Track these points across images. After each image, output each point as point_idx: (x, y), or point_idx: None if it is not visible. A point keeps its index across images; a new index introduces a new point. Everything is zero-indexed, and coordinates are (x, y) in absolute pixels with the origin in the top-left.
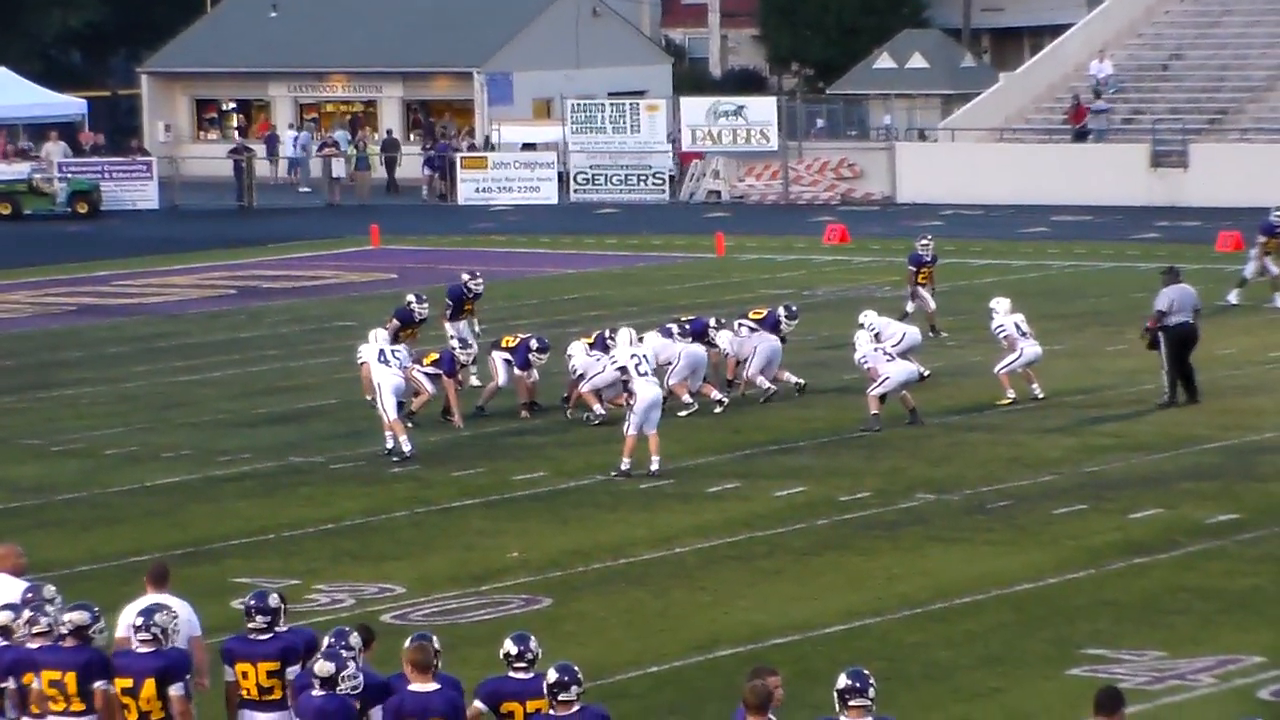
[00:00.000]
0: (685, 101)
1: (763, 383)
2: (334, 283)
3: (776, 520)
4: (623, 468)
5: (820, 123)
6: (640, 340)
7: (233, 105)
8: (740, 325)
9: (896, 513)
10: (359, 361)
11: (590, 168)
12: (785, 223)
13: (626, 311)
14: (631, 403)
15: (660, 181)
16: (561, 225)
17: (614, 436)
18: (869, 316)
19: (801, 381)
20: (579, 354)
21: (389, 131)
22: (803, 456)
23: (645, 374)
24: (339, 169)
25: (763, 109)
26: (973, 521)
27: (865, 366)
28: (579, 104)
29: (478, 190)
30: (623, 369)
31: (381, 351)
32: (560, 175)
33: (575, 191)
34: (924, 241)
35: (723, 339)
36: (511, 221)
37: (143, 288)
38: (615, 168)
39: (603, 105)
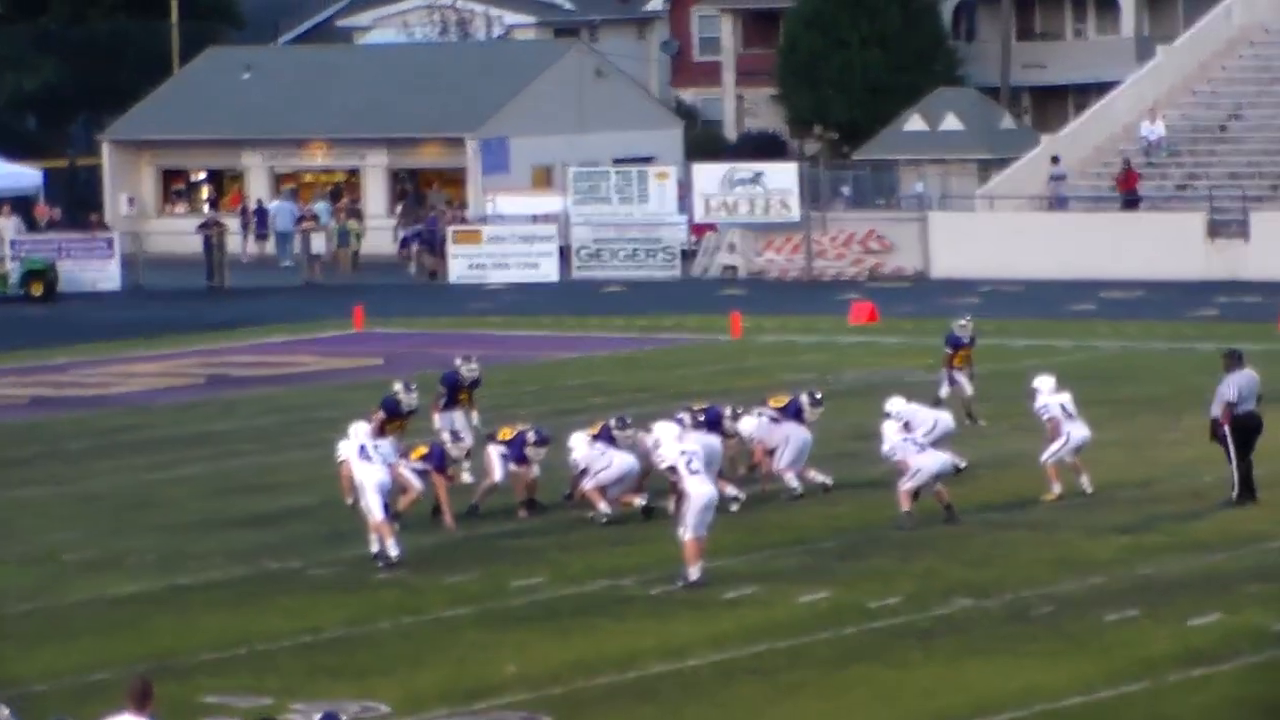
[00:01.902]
0: (698, 168)
1: (791, 480)
2: (314, 370)
3: (799, 629)
4: (691, 578)
5: (845, 191)
6: (682, 434)
7: (203, 176)
8: (761, 414)
9: (931, 620)
10: (338, 460)
11: (594, 242)
12: (808, 301)
13: (634, 399)
14: (683, 505)
15: (671, 256)
16: (563, 305)
17: (621, 538)
18: (896, 404)
19: (829, 481)
20: (581, 446)
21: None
22: (828, 558)
23: (697, 471)
24: (319, 244)
25: (782, 176)
26: (1016, 630)
27: (894, 459)
28: (582, 172)
29: (471, 267)
30: (672, 468)
31: (363, 447)
32: (561, 250)
33: (578, 268)
34: (962, 322)
35: (745, 425)
36: (508, 301)
37: (104, 377)
38: (621, 241)
39: (608, 173)
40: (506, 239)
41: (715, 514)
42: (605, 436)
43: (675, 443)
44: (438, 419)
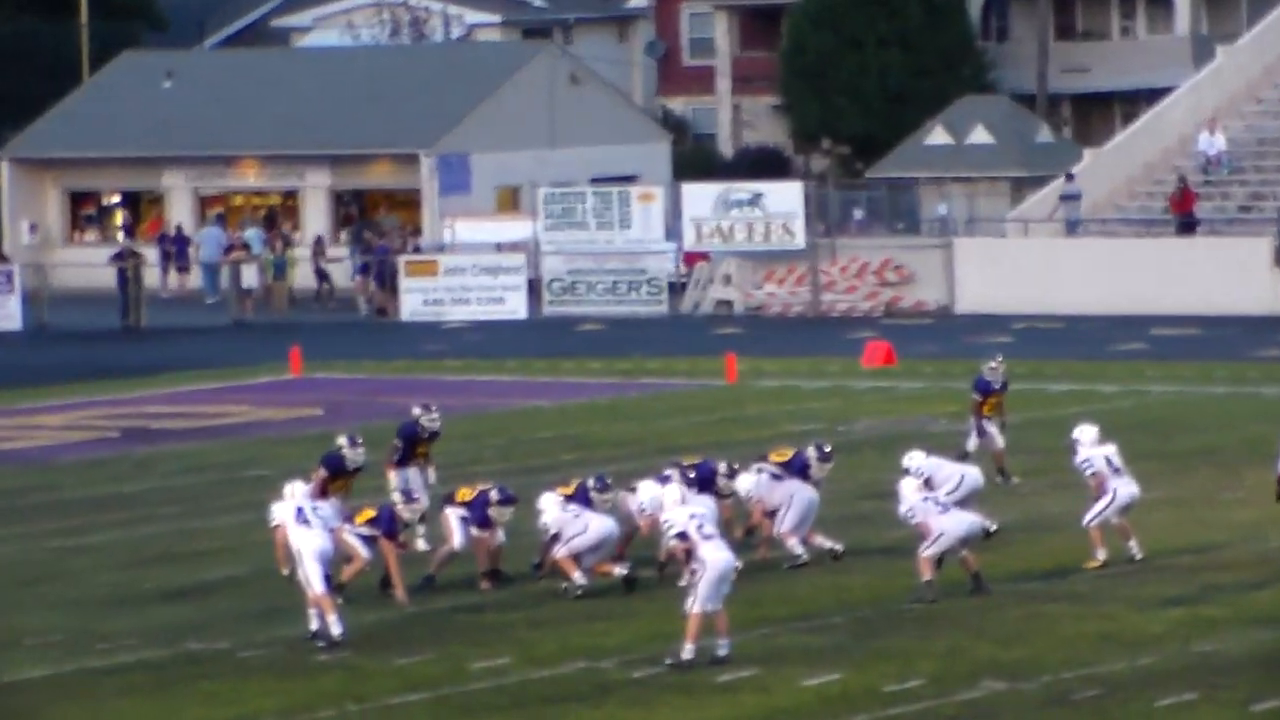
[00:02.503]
0: (688, 189)
1: (795, 546)
2: (244, 421)
3: (805, 718)
4: (684, 656)
5: (858, 214)
6: (684, 493)
7: (117, 199)
8: (761, 470)
9: (957, 706)
10: (271, 524)
11: (568, 273)
12: (814, 340)
13: (614, 454)
14: (697, 574)
15: (656, 290)
16: (533, 346)
17: (599, 613)
18: (916, 459)
19: (838, 547)
20: (552, 508)
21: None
22: (838, 635)
23: (711, 536)
24: (250, 278)
25: (786, 197)
26: (1055, 716)
27: (914, 521)
28: (554, 193)
29: (426, 303)
30: (682, 535)
31: (300, 510)
32: (530, 283)
33: (550, 303)
34: (992, 364)
35: (743, 483)
36: (470, 342)
37: (2, 430)
38: (600, 273)
39: (584, 194)
40: (467, 270)
41: (730, 584)
42: (581, 498)
43: (681, 506)
44: (393, 477)
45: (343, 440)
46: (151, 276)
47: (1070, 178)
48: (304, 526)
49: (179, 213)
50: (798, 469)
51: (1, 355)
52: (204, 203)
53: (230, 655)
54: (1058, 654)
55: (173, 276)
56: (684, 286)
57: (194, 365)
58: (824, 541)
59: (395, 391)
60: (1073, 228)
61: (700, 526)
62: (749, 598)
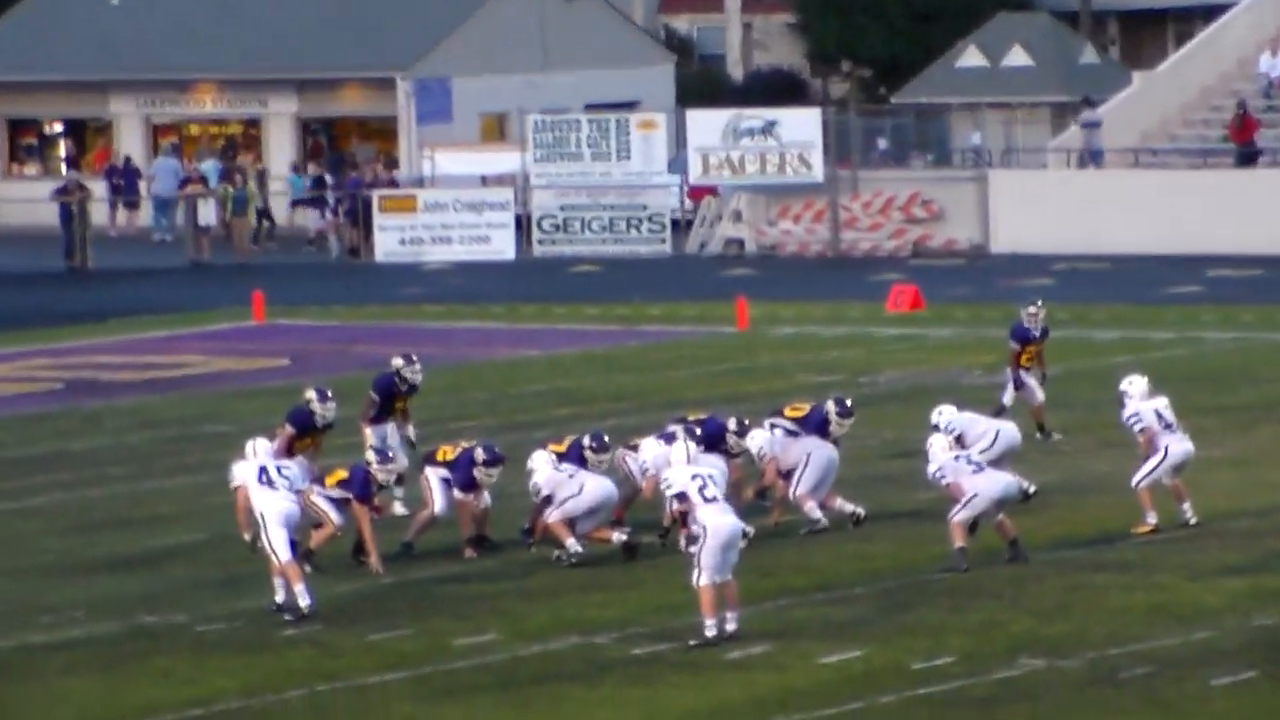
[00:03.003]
0: (694, 116)
1: (813, 510)
2: (202, 372)
3: (824, 698)
4: (708, 635)
5: (882, 144)
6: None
7: (60, 128)
8: (775, 426)
9: (992, 686)
10: (232, 485)
11: (560, 210)
12: (834, 283)
13: (612, 409)
14: (697, 541)
15: (659, 228)
16: (521, 289)
17: (595, 583)
18: (947, 413)
19: (860, 511)
20: (544, 467)
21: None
22: (860, 608)
23: (714, 499)
24: (207, 214)
25: (802, 125)
26: (1100, 696)
27: (943, 483)
28: (545, 121)
29: (403, 242)
30: (681, 495)
31: (264, 470)
32: (519, 221)
33: (540, 242)
34: (1031, 309)
35: (755, 439)
36: (451, 285)
37: None
38: (596, 209)
39: (578, 122)
40: (448, 206)
41: (737, 552)
42: (575, 456)
43: (684, 466)
44: (369, 434)
45: (311, 394)
46: (99, 213)
47: (1090, 103)
48: (268, 488)
49: (129, 143)
50: (815, 425)
51: None
52: (156, 132)
53: (187, 629)
54: (1103, 628)
55: (121, 213)
56: (689, 224)
57: (146, 310)
58: (844, 505)
59: (369, 340)
60: (1094, 159)
61: (703, 488)
62: (761, 567)
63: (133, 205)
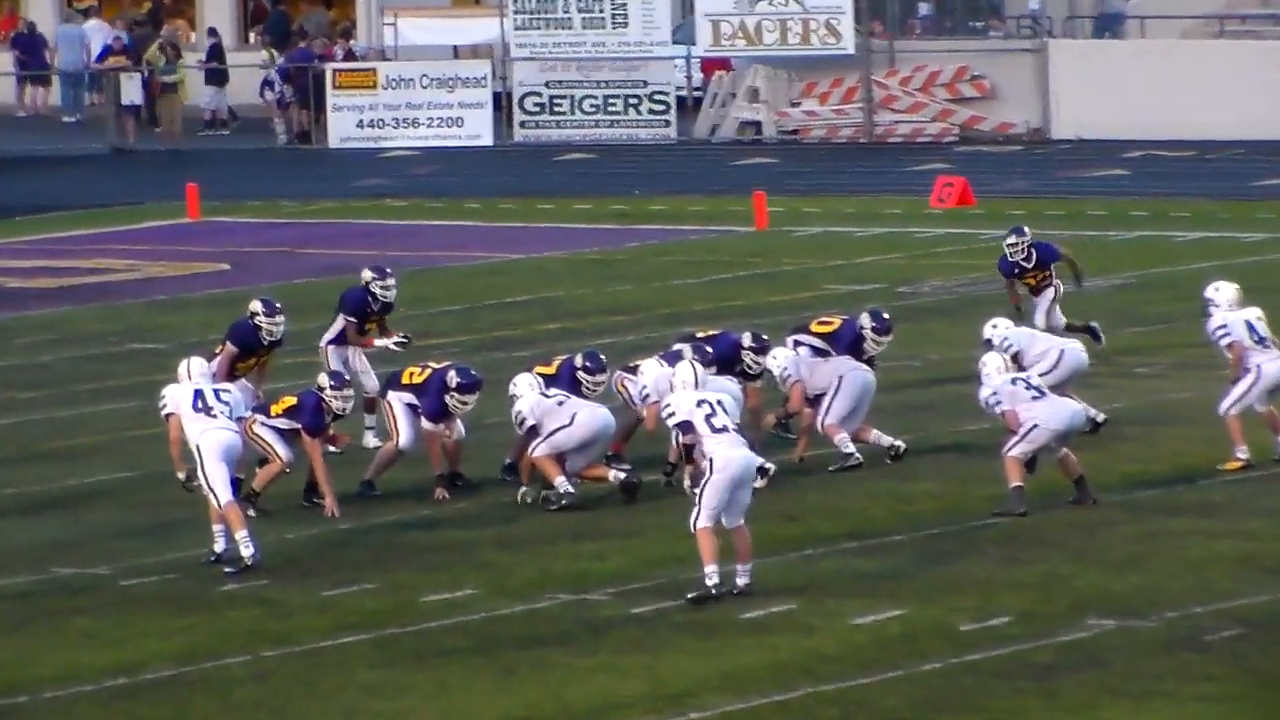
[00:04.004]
0: None
1: (844, 443)
2: (127, 279)
3: (856, 665)
4: (709, 583)
5: (924, 9)
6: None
7: None
8: (799, 344)
9: (1055, 650)
10: (163, 412)
11: (546, 86)
12: (868, 174)
13: (608, 323)
14: (703, 478)
15: (662, 108)
16: (501, 182)
17: (589, 530)
18: (1001, 328)
19: (899, 444)
20: (528, 393)
21: (212, 32)
22: (899, 559)
23: (724, 429)
24: (132, 92)
25: None
26: (1179, 663)
27: (998, 410)
28: None
29: (361, 125)
30: (685, 425)
31: (199, 394)
32: (497, 99)
33: (523, 125)
34: (1010, 240)
35: (776, 359)
36: (418, 176)
37: None
38: (587, 85)
39: None
40: (414, 82)
41: (749, 491)
42: (566, 380)
43: (691, 391)
44: (332, 357)
45: (256, 305)
46: (4, 90)
47: None
48: (204, 416)
49: (36, 7)
50: (847, 343)
51: None
52: None
53: (111, 583)
54: (1183, 583)
55: (30, 91)
56: (697, 104)
57: (62, 206)
58: (881, 438)
59: (322, 241)
60: (1110, 26)
61: (710, 415)
62: (784, 510)
63: (43, 81)
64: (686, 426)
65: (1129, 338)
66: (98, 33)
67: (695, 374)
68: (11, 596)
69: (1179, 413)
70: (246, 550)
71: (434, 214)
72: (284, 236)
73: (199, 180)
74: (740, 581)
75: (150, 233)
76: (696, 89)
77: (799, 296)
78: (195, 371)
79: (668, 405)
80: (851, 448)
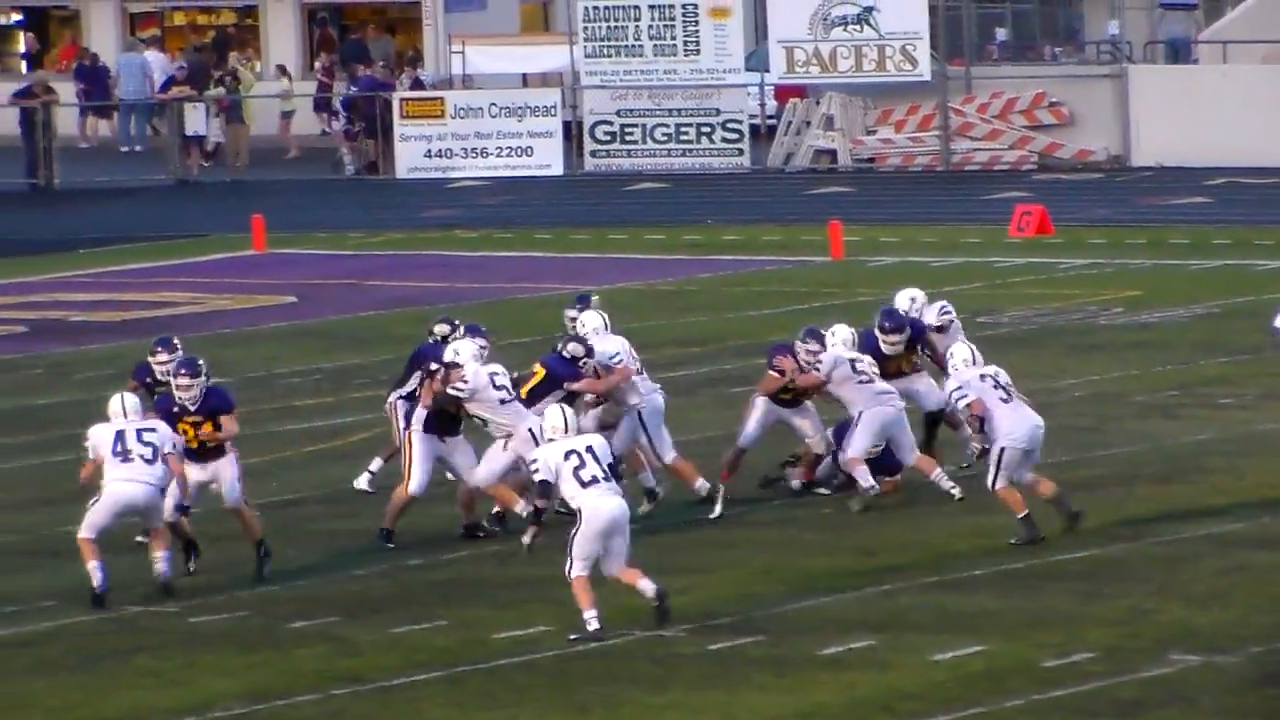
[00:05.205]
0: (776, 1)
1: (865, 476)
2: (191, 313)
3: (936, 702)
4: (589, 629)
5: (1002, 35)
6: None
7: (18, 18)
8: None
9: (1138, 686)
10: (89, 455)
11: (617, 115)
12: (945, 203)
13: (681, 355)
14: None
15: (735, 136)
16: (572, 212)
17: (660, 565)
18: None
19: (955, 492)
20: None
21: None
22: (980, 594)
23: (593, 480)
24: (197, 122)
25: (906, 12)
26: (1264, 699)
27: (962, 402)
28: (597, 7)
29: (429, 155)
30: (544, 486)
31: (119, 436)
32: (567, 128)
33: (593, 154)
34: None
35: (824, 359)
36: (487, 206)
37: None
38: (659, 114)
39: (637, 9)
40: (483, 111)
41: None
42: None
43: (559, 439)
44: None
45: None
46: (67, 121)
47: None
48: (119, 462)
49: (100, 36)
50: (870, 350)
51: None
52: (133, 22)
53: (178, 621)
54: (1270, 617)
55: (93, 121)
56: (771, 132)
57: (124, 238)
58: (942, 479)
59: (390, 273)
60: (1179, 52)
61: (579, 468)
62: (862, 543)
63: (106, 112)
64: (545, 487)
65: (1214, 368)
66: (159, 63)
67: (565, 419)
68: (78, 635)
69: (1265, 444)
70: (94, 579)
71: (503, 245)
72: (351, 268)
73: (265, 211)
74: (649, 593)
75: (215, 265)
76: (770, 117)
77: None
78: (129, 408)
79: (534, 460)
80: (871, 480)
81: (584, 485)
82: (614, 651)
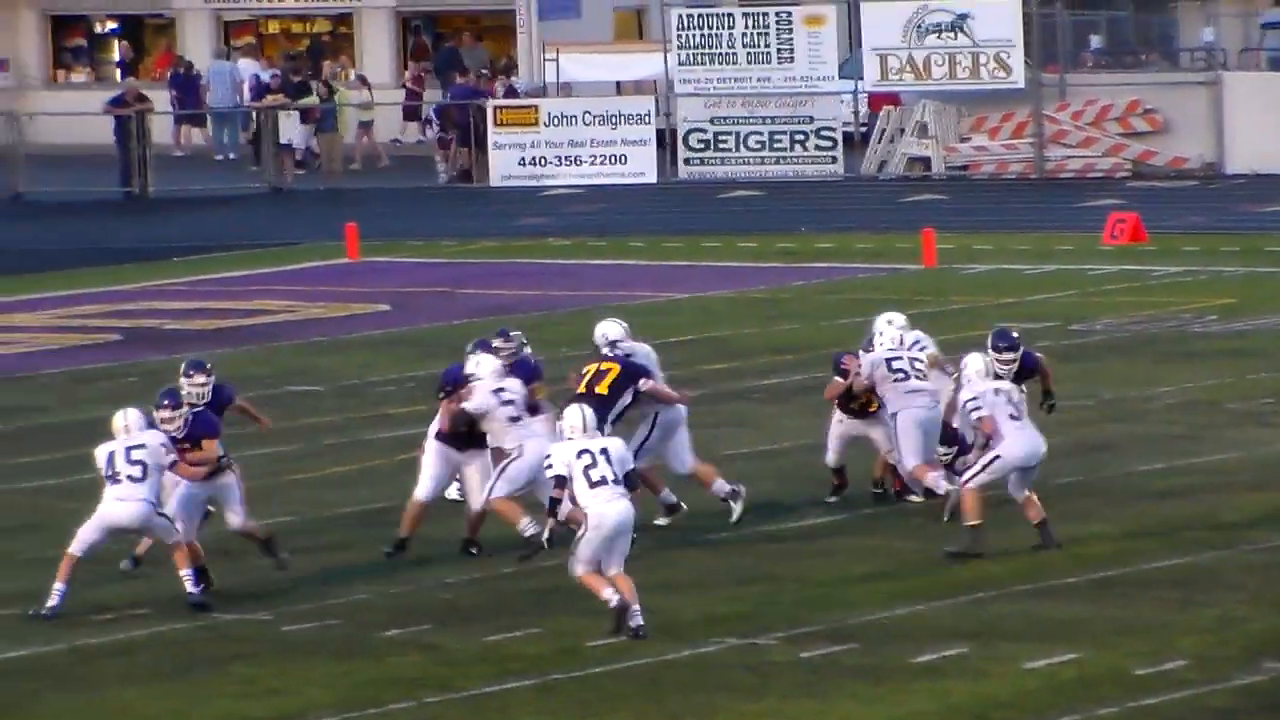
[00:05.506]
0: (870, 9)
1: (937, 483)
2: (284, 321)
3: (1029, 710)
4: (612, 606)
5: (1096, 42)
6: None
7: (114, 26)
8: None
9: (1230, 694)
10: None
11: (711, 123)
12: (1039, 210)
13: (774, 363)
14: (579, 531)
15: (829, 144)
16: (665, 220)
17: (752, 573)
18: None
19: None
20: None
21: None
22: (1072, 602)
23: (601, 481)
24: (291, 131)
25: (999, 20)
26: None
27: (975, 416)
28: (691, 16)
29: (522, 163)
30: (560, 480)
31: (110, 457)
32: (661, 136)
33: (686, 162)
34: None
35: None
36: (580, 214)
37: None
38: (753, 121)
39: (730, 16)
40: (576, 119)
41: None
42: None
43: (577, 437)
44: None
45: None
46: (161, 129)
47: None
48: (109, 483)
49: (195, 44)
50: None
51: None
52: (228, 30)
53: (272, 629)
54: None
55: (187, 129)
56: (865, 139)
57: (218, 246)
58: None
59: (483, 281)
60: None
61: (589, 467)
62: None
63: (199, 120)
64: (560, 481)
65: None
66: (250, 70)
67: (584, 419)
68: (171, 643)
69: None
70: (51, 601)
71: (596, 253)
72: (444, 276)
73: (358, 219)
74: (633, 623)
75: (309, 273)
76: (864, 124)
77: (969, 335)
78: (133, 424)
79: (548, 456)
80: (945, 484)
81: (592, 485)
82: (707, 660)
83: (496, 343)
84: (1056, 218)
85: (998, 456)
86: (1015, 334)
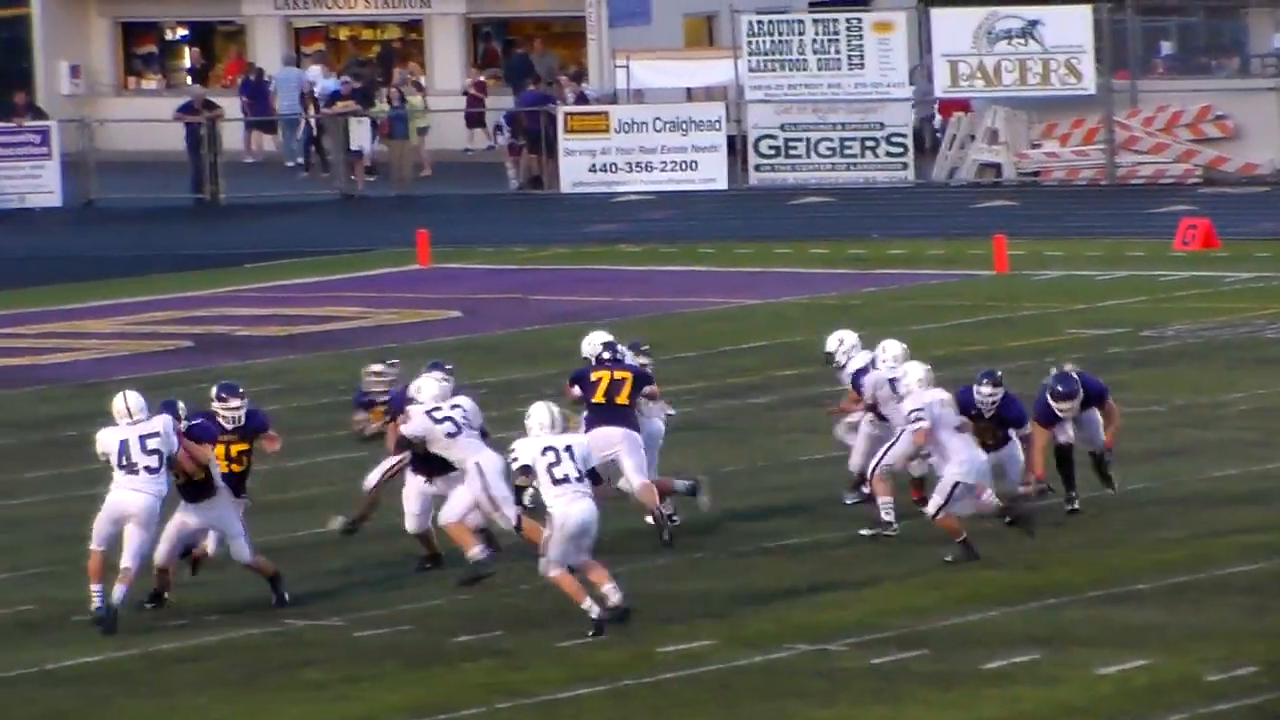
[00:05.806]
0: (940, 15)
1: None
2: (355, 327)
3: (1101, 716)
4: (592, 617)
5: (1167, 48)
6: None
7: (184, 33)
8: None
9: None
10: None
11: (781, 129)
12: (1110, 216)
13: None
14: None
15: (899, 149)
16: (736, 226)
17: (823, 580)
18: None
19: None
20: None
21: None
22: (1144, 608)
23: (564, 479)
24: (362, 137)
25: (1070, 26)
26: None
27: (916, 426)
28: (762, 22)
29: (593, 169)
30: (526, 469)
31: (124, 446)
32: (731, 142)
33: (757, 169)
34: (985, 389)
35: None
36: (651, 221)
37: (38, 339)
38: (823, 128)
39: (801, 23)
40: (647, 125)
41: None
42: None
43: (543, 434)
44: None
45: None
46: (232, 135)
47: None
48: (124, 474)
49: (265, 50)
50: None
51: (37, 240)
52: (298, 38)
53: (343, 635)
54: None
55: (259, 135)
56: (935, 146)
57: (289, 252)
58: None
59: (554, 287)
60: None
61: (553, 464)
62: (1026, 558)
63: (270, 126)
64: (525, 470)
65: None
66: (319, 77)
67: (552, 416)
68: (242, 648)
69: None
70: (94, 604)
71: (667, 259)
72: (515, 283)
73: (429, 226)
74: (614, 600)
75: (380, 279)
76: (935, 131)
77: (1040, 341)
78: (134, 408)
79: (513, 450)
80: (889, 516)
81: (555, 483)
82: (778, 666)
83: (377, 367)
84: (1127, 224)
85: (956, 484)
86: (1074, 375)
